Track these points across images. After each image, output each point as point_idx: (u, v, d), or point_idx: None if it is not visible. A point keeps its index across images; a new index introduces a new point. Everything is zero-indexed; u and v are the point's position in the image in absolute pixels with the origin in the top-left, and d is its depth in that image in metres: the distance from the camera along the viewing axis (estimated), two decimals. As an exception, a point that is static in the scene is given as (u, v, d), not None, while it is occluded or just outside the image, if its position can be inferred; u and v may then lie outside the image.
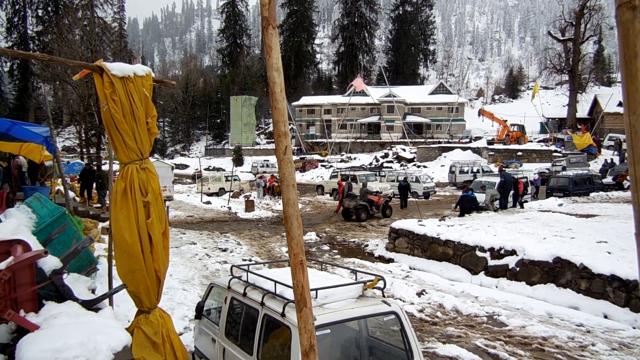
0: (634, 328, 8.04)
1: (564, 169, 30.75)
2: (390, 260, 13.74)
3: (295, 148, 66.81)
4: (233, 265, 5.65)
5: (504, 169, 22.96)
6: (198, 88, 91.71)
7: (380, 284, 4.52)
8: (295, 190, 2.14)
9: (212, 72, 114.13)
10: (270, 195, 29.04)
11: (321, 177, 43.51)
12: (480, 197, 18.80)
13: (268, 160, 51.03)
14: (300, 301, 2.14)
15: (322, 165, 51.46)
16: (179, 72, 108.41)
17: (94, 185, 17.52)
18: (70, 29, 40.44)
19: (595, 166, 37.07)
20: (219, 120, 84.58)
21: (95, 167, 20.50)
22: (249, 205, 23.67)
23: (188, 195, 31.05)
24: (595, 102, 63.17)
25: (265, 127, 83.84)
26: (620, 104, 58.37)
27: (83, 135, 41.59)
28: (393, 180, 30.66)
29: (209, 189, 31.74)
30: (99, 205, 17.24)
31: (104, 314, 3.61)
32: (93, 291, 5.25)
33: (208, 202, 26.71)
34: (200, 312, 5.74)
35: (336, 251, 15.06)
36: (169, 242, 5.22)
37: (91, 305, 3.77)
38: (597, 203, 19.35)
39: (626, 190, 23.62)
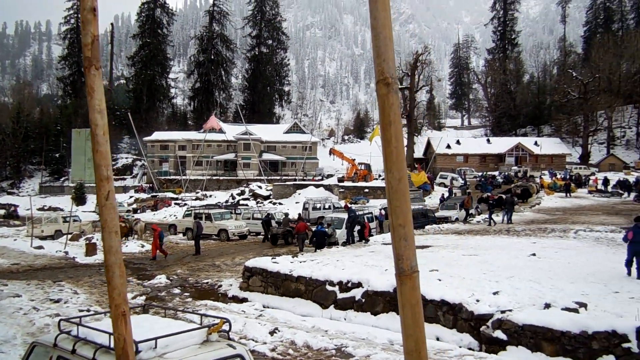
0: (460, 347, 9.01)
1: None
2: (244, 300, 13.56)
3: (147, 185, 63.32)
4: (62, 318, 5.06)
5: (349, 206, 24.36)
6: (33, 118, 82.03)
7: (226, 326, 4.43)
8: (118, 237, 2.04)
9: (51, 102, 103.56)
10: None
11: (174, 215, 41.73)
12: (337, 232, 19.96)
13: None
14: (122, 356, 2.01)
15: (175, 204, 49.36)
16: (8, 100, 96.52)
17: None
18: None
19: (430, 201, 41.51)
20: (57, 155, 76.06)
21: None
22: (90, 249, 21.54)
23: (15, 240, 27.13)
24: (428, 144, 71.24)
25: (113, 163, 78.06)
26: (448, 146, 66.80)
27: None
28: (249, 218, 30.65)
29: (42, 231, 28.26)
30: None
31: None
32: None
33: (40, 247, 23.60)
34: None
35: (188, 294, 14.40)
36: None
37: None
38: (431, 235, 21.57)
39: (454, 223, 26.77)
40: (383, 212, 28.94)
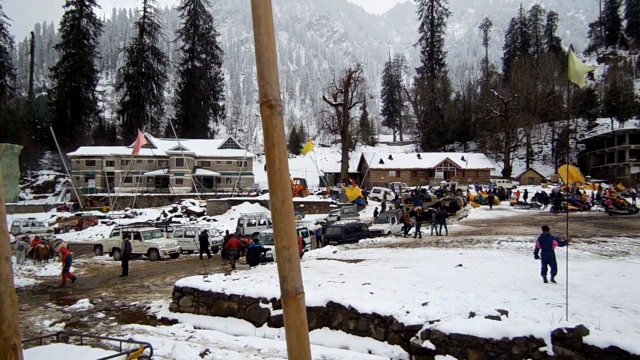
0: (391, 359, 9.14)
1: (338, 218, 34.15)
2: (174, 322, 13.03)
3: (71, 203, 59.84)
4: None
5: None
6: None
7: (147, 351, 4.23)
8: (9, 264, 1.88)
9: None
10: (35, 260, 25.13)
11: (101, 235, 39.62)
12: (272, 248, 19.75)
13: (34, 219, 44.34)
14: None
15: (102, 222, 46.88)
16: None
17: None
18: None
19: (365, 215, 42.23)
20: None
21: None
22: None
23: None
24: (362, 159, 72.81)
25: (33, 179, 73.32)
26: (381, 161, 68.58)
27: None
28: (180, 236, 29.72)
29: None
30: None
31: None
32: None
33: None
34: None
35: (113, 318, 13.63)
36: None
37: None
38: (364, 248, 21.91)
39: (387, 236, 27.38)
40: (319, 227, 29.17)
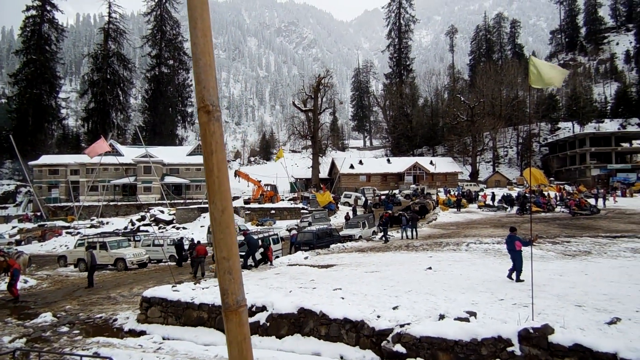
0: (363, 364, 9.14)
1: (310, 224, 34.09)
2: (141, 333, 12.71)
3: (33, 214, 57.87)
4: None
5: (247, 233, 23.94)
6: None
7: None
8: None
9: None
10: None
11: (66, 246, 38.44)
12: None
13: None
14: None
15: (67, 233, 45.47)
16: None
17: None
18: None
19: (336, 220, 42.31)
20: None
21: None
22: None
23: None
24: (333, 165, 73.04)
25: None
26: (352, 166, 68.95)
27: None
28: (149, 245, 29.11)
29: None
30: None
31: None
32: None
33: None
34: None
35: (78, 331, 13.17)
36: None
37: None
38: (335, 254, 21.92)
39: (357, 240, 27.49)
40: (295, 232, 29.00)
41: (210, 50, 1.70)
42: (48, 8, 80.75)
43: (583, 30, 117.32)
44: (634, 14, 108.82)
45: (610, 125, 78.58)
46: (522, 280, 12.54)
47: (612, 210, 38.29)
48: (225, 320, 1.76)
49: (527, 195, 43.09)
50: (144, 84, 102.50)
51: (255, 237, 20.93)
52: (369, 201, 49.15)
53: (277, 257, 21.78)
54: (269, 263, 19.77)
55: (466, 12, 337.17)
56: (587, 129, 76.10)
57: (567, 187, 56.25)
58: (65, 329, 13.50)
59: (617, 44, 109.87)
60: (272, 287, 13.26)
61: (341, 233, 28.77)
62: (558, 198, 44.55)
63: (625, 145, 69.58)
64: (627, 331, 7.86)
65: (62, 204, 60.52)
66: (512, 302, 10.35)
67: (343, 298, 11.40)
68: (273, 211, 45.27)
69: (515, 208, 41.85)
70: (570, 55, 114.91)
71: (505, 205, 43.98)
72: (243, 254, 19.29)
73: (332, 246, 24.33)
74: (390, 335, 9.07)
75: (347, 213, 42.07)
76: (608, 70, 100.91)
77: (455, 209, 43.18)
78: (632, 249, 18.38)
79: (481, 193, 53.73)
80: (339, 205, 49.19)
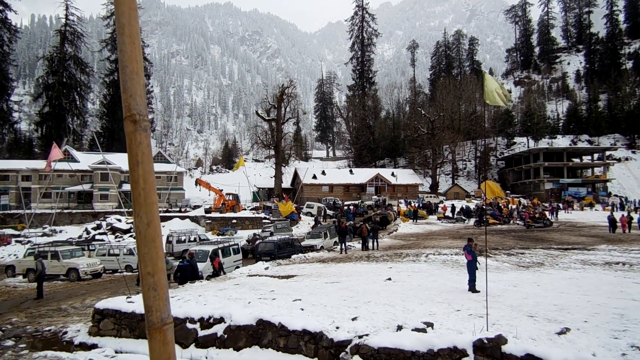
0: (321, 376, 9.08)
1: (271, 234, 33.87)
2: (93, 347, 12.22)
3: (-20, 221, 54.97)
4: None
5: (193, 255, 23.45)
6: None
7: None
8: None
9: None
10: None
11: (15, 255, 36.72)
12: (201, 266, 19.16)
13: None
14: None
15: (17, 241, 43.46)
16: None
17: None
18: None
19: (298, 230, 42.19)
20: None
21: None
22: None
23: None
24: (295, 174, 73.00)
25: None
26: (314, 177, 69.10)
27: None
28: (104, 254, 28.18)
29: None
30: None
31: None
32: None
33: None
34: None
35: (24, 345, 12.55)
36: None
37: None
38: (297, 264, 21.83)
39: (319, 251, 27.48)
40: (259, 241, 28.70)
41: (139, 58, 1.66)
42: (0, 8, 77.65)
43: (537, 50, 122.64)
44: (583, 35, 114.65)
45: (562, 141, 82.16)
46: (478, 291, 12.83)
47: (563, 223, 39.86)
48: (149, 339, 1.68)
49: (484, 207, 44.36)
50: (102, 89, 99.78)
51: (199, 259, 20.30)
52: (330, 212, 49.38)
53: (238, 267, 21.50)
54: (222, 273, 19.42)
55: (427, 28, 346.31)
56: (541, 144, 79.23)
57: (522, 200, 58.20)
58: (10, 342, 12.84)
59: (569, 63, 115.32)
60: (230, 298, 13.05)
61: (303, 243, 28.70)
62: (512, 211, 46.00)
63: (576, 160, 72.80)
64: (575, 341, 8.15)
65: (12, 212, 57.81)
66: (468, 313, 10.57)
67: (303, 309, 11.33)
68: (234, 221, 44.73)
69: (472, 220, 42.90)
70: (525, 73, 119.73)
71: (464, 217, 45.03)
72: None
73: (293, 256, 24.23)
74: (349, 347, 9.07)
75: (316, 217, 42.55)
76: (560, 89, 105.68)
77: (412, 220, 43.88)
78: (581, 260, 19.15)
79: (441, 205, 54.85)
80: (301, 215, 49.12)
